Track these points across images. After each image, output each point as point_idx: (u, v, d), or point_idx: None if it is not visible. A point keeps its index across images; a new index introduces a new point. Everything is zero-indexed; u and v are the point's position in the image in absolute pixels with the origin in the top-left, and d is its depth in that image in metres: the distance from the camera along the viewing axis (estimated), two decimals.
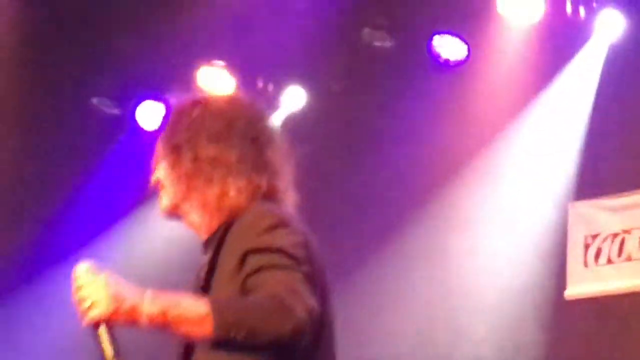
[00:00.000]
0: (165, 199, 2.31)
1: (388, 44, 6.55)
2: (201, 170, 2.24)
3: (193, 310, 1.98)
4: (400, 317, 6.52)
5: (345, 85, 6.81)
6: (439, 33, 6.40)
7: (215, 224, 2.23)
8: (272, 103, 6.61)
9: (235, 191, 2.20)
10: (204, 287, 2.17)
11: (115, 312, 1.97)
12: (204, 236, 2.27)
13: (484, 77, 6.59)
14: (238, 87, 6.50)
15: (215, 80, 6.58)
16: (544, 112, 6.53)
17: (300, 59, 6.69)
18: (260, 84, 6.72)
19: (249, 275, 2.05)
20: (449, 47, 6.42)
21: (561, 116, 6.48)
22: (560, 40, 6.40)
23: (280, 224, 2.11)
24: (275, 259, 2.04)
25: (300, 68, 6.78)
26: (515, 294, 6.27)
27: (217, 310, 1.97)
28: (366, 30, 6.52)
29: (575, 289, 6.09)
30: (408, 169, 6.70)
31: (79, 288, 1.99)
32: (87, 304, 1.97)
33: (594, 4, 6.14)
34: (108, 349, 2.00)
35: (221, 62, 6.64)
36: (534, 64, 6.54)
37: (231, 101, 2.48)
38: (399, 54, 6.64)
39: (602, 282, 6.02)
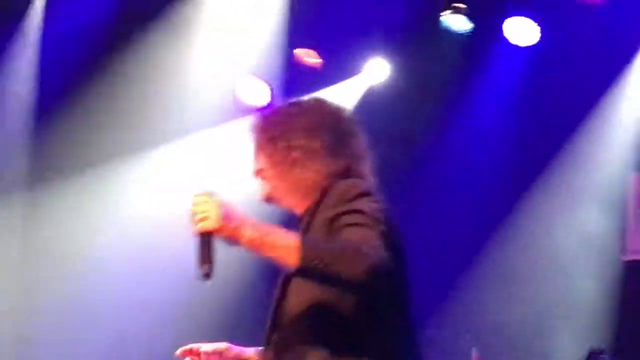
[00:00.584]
0: (265, 187, 2.74)
1: (467, 27, 6.79)
2: (294, 158, 2.65)
3: (285, 240, 2.41)
4: None
5: (424, 67, 7.08)
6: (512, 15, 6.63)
7: (307, 203, 2.65)
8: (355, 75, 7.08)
9: (323, 174, 2.62)
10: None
11: (221, 228, 2.41)
12: (300, 213, 2.69)
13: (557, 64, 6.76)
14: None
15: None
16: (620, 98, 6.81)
17: (381, 37, 7.02)
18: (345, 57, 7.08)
19: (334, 233, 2.47)
20: (521, 30, 6.64)
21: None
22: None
23: (363, 193, 2.52)
24: (356, 218, 2.44)
25: (381, 47, 7.09)
26: None
27: (305, 243, 2.39)
28: (446, 14, 6.78)
29: None
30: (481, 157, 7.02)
31: (196, 204, 2.45)
32: (200, 216, 2.44)
33: None
34: (206, 256, 2.48)
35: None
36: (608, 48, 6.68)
37: (319, 102, 2.84)
38: (477, 39, 6.90)
39: None
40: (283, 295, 2.62)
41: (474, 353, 6.21)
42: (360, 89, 7.11)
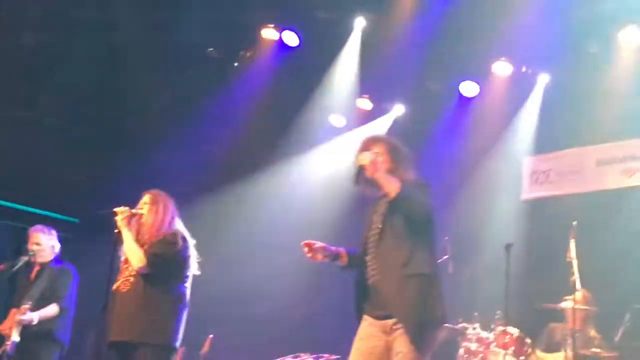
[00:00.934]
0: (370, 173, 4.59)
1: None
2: (397, 162, 4.77)
3: (393, 183, 4.52)
4: None
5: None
6: None
7: (394, 191, 4.51)
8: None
9: (405, 176, 4.68)
10: (385, 214, 4.63)
11: (369, 165, 4.54)
12: (388, 195, 4.55)
13: None
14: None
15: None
16: None
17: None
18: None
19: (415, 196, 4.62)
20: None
21: None
22: None
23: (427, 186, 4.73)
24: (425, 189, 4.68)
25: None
26: None
27: (404, 188, 4.50)
28: None
29: None
30: None
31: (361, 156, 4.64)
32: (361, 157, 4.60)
33: None
34: (358, 177, 4.71)
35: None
36: None
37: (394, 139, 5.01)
38: None
39: None
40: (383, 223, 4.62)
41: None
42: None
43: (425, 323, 4.46)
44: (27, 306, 6.68)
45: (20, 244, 9.20)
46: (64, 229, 8.13)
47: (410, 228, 4.55)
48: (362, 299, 4.66)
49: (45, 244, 7.07)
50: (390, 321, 4.48)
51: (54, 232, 7.20)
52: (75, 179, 9.65)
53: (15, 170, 9.35)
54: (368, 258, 4.65)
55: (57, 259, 7.11)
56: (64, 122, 9.84)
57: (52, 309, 6.82)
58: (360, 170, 4.71)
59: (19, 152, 9.24)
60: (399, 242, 4.53)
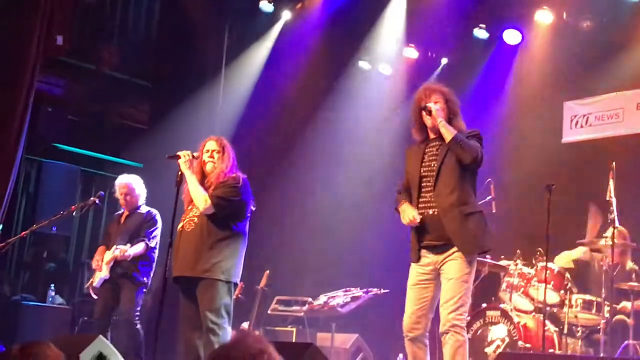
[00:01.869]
0: (433, 121, 5.15)
1: None
2: (453, 112, 5.24)
3: (450, 130, 5.08)
4: None
5: None
6: None
7: (451, 136, 5.09)
8: None
9: (458, 123, 5.22)
10: (441, 156, 5.14)
11: (434, 114, 5.13)
12: (444, 139, 5.12)
13: None
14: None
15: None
16: None
17: None
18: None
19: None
20: None
21: None
22: None
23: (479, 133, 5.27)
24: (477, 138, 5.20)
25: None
26: None
27: (456, 133, 5.04)
28: None
29: None
30: None
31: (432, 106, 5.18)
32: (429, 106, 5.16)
33: None
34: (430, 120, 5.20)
35: None
36: None
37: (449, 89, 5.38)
38: None
39: None
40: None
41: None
42: None
43: (481, 249, 5.22)
44: (122, 247, 7.12)
45: (88, 188, 9.77)
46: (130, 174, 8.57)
47: (464, 171, 5.10)
48: (419, 231, 5.16)
49: (131, 191, 7.45)
50: (442, 255, 5.05)
51: (140, 180, 7.59)
52: (138, 126, 10.04)
53: (82, 118, 9.79)
54: (423, 194, 5.14)
55: (142, 207, 7.49)
56: (126, 72, 10.28)
57: (140, 247, 7.21)
58: (420, 116, 5.23)
59: (87, 100, 9.64)
60: (455, 182, 5.07)
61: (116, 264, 7.17)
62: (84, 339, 5.47)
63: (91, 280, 7.36)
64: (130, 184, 7.49)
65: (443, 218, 5.02)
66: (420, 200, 5.16)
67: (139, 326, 7.14)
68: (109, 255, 7.20)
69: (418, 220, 5.05)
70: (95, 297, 7.30)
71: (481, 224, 5.11)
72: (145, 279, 7.28)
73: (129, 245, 7.16)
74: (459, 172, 5.09)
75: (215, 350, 2.15)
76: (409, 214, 5.08)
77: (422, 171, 5.20)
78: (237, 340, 2.13)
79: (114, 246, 7.19)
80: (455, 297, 4.95)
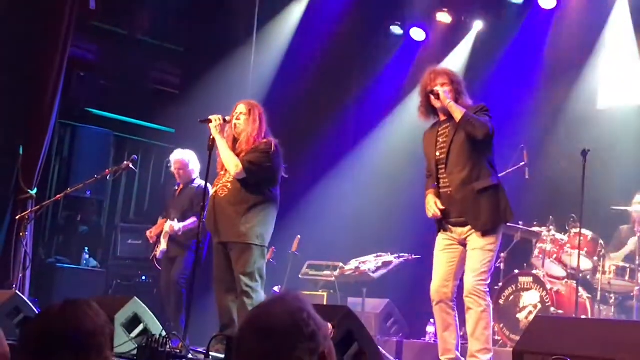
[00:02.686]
0: (441, 103, 5.26)
1: None
2: (458, 93, 5.29)
3: (459, 110, 5.13)
4: None
5: None
6: None
7: (460, 115, 5.14)
8: None
9: (466, 101, 5.32)
10: (452, 136, 5.22)
11: (442, 97, 5.23)
12: (455, 119, 5.19)
13: None
14: None
15: None
16: None
17: None
18: None
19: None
20: None
21: None
22: None
23: (486, 108, 5.30)
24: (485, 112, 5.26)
25: None
26: None
27: (465, 112, 5.10)
28: None
29: None
30: None
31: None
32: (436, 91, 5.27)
33: None
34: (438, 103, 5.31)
35: None
36: None
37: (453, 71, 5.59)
38: None
39: None
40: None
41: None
42: None
43: (497, 226, 5.20)
44: (172, 223, 7.45)
45: (121, 152, 9.84)
46: (162, 139, 8.65)
47: (476, 146, 5.17)
48: (443, 210, 5.26)
49: (185, 166, 7.71)
50: (465, 229, 5.18)
51: (194, 155, 7.79)
52: (170, 91, 10.09)
53: (114, 83, 9.84)
54: (440, 176, 5.27)
55: (196, 181, 7.76)
56: (158, 38, 10.29)
57: (192, 222, 7.49)
58: (427, 100, 5.37)
59: (120, 65, 9.70)
60: (466, 159, 5.16)
61: (172, 237, 7.52)
62: (118, 300, 5.55)
63: (154, 252, 7.68)
64: (184, 160, 7.75)
65: (455, 196, 5.14)
66: (440, 182, 5.30)
67: (183, 290, 7.40)
68: (166, 227, 7.53)
69: (440, 215, 5.19)
70: (159, 268, 7.67)
71: (496, 197, 5.18)
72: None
73: (176, 222, 7.48)
74: (469, 148, 5.18)
75: (255, 308, 2.15)
76: (431, 207, 5.24)
77: (437, 154, 5.32)
78: (277, 298, 2.13)
79: (168, 221, 7.54)
80: (478, 264, 5.07)
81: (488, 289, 5.13)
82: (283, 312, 2.04)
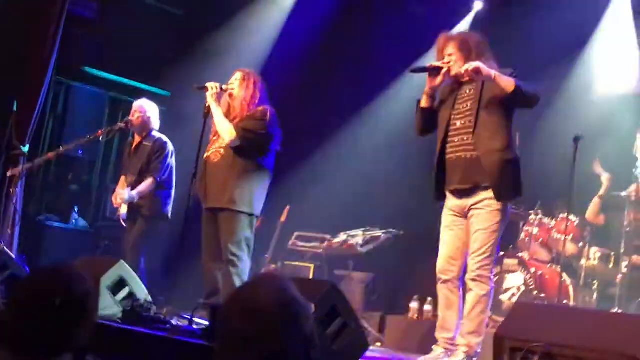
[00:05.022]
0: (454, 71, 5.09)
1: None
2: (476, 56, 5.00)
3: (506, 79, 4.86)
4: None
5: None
6: None
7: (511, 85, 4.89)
8: None
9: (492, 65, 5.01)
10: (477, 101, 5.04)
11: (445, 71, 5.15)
12: (465, 80, 5.08)
13: None
14: None
15: None
16: None
17: None
18: None
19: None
20: None
21: None
22: None
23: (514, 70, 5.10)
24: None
25: None
26: None
27: (522, 83, 4.86)
28: None
29: None
30: None
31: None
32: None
33: None
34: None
35: None
36: None
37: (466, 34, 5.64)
38: None
39: None
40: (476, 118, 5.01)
41: None
42: None
43: (515, 197, 5.21)
44: (123, 193, 7.19)
45: (115, 113, 9.82)
46: (157, 102, 8.59)
47: (505, 113, 5.04)
48: (443, 174, 5.16)
49: (143, 113, 7.44)
50: (471, 200, 5.02)
51: (155, 106, 7.60)
52: (168, 54, 10.07)
53: (112, 43, 9.79)
54: (452, 137, 5.12)
55: (153, 133, 7.47)
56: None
57: (147, 183, 7.22)
58: (434, 74, 5.19)
59: (118, 26, 9.64)
60: (496, 126, 5.01)
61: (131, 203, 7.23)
62: (106, 261, 5.58)
63: (118, 213, 7.47)
64: (143, 106, 7.50)
65: (484, 161, 4.94)
66: (450, 143, 5.13)
67: (142, 259, 7.17)
68: (123, 194, 7.24)
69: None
70: (125, 225, 7.39)
71: (518, 172, 5.07)
72: (163, 211, 7.33)
73: (127, 190, 7.18)
74: (499, 116, 5.02)
75: (240, 288, 2.20)
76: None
77: (453, 114, 5.15)
78: (261, 278, 2.19)
79: (127, 188, 7.25)
80: (483, 247, 4.94)
81: (492, 273, 5.04)
82: (267, 293, 2.09)
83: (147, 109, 7.48)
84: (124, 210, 7.27)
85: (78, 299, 2.36)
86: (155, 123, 7.53)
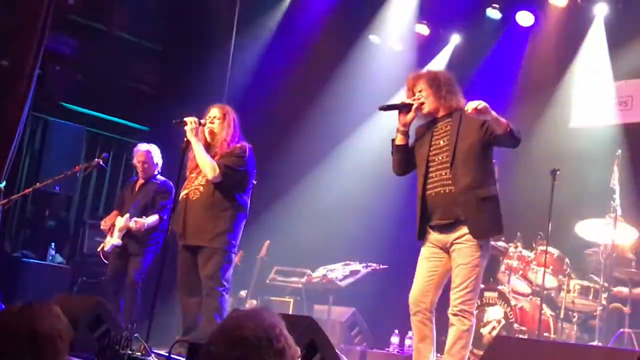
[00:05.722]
0: (427, 107, 5.14)
1: None
2: (443, 94, 5.11)
3: (503, 121, 4.82)
4: None
5: None
6: None
7: (446, 113, 5.11)
8: None
9: (457, 102, 5.10)
10: (454, 136, 5.01)
11: (415, 108, 5.17)
12: (440, 116, 5.16)
13: None
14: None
15: None
16: None
17: None
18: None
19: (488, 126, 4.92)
20: None
21: None
22: None
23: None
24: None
25: None
26: None
27: (514, 126, 4.85)
28: None
29: None
30: None
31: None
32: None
33: None
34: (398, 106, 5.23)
35: None
36: None
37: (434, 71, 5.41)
38: None
39: None
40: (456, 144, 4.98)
41: None
42: None
43: (493, 235, 5.19)
44: (139, 219, 7.22)
45: (93, 148, 9.79)
46: (136, 137, 8.60)
47: (482, 151, 4.99)
48: (425, 210, 5.09)
49: (149, 160, 7.56)
50: (452, 235, 4.97)
51: (157, 149, 7.67)
52: (146, 89, 10.05)
53: (90, 78, 9.77)
54: (432, 174, 5.08)
55: (157, 177, 7.61)
56: (136, 35, 10.24)
57: (154, 219, 7.32)
58: (405, 110, 5.19)
59: (96, 61, 9.63)
60: (473, 163, 4.96)
61: (129, 232, 7.29)
62: (83, 300, 5.53)
63: (102, 244, 7.47)
64: (149, 152, 7.60)
65: (460, 199, 4.90)
66: (429, 179, 5.09)
67: (139, 291, 7.25)
68: (121, 222, 7.31)
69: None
70: (105, 261, 7.42)
71: (496, 208, 4.99)
72: (154, 248, 7.42)
73: (144, 217, 7.25)
74: (476, 152, 4.98)
75: (229, 318, 2.18)
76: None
77: (430, 150, 5.13)
78: (252, 311, 2.17)
79: (127, 215, 7.31)
80: (465, 282, 4.88)
81: (474, 308, 4.98)
82: (257, 324, 2.08)
83: (153, 155, 7.62)
84: (115, 240, 7.29)
85: (46, 336, 2.32)
86: (159, 166, 7.67)
